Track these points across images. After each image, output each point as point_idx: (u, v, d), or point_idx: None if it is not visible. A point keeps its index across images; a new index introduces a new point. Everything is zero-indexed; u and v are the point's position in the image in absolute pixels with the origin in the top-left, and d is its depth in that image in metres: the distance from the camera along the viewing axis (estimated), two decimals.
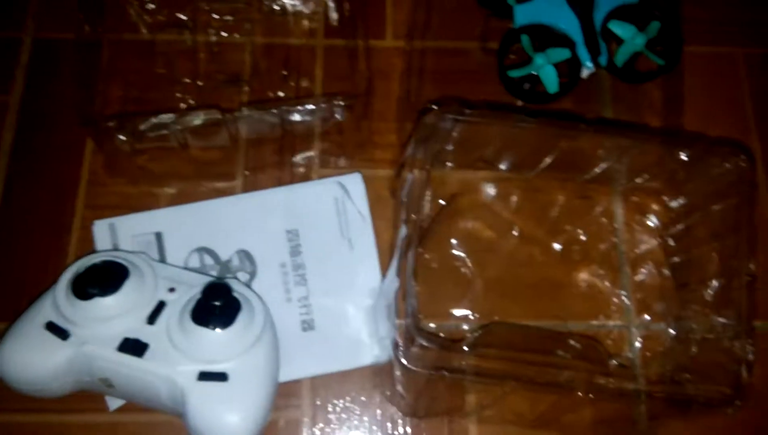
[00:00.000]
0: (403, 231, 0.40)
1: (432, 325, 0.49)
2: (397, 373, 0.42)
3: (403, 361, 0.38)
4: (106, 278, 0.42)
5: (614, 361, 0.47)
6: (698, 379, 0.42)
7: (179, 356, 0.41)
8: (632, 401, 0.42)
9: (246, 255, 0.49)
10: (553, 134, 0.46)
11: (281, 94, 0.54)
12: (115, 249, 0.48)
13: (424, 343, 0.39)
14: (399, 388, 0.44)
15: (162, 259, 0.49)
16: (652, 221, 0.52)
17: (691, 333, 0.45)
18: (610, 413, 0.44)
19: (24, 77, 0.54)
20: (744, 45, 0.60)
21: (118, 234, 0.49)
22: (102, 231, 0.49)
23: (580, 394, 0.38)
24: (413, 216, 0.41)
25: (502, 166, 0.52)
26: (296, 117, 0.49)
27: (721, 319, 0.42)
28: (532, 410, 0.44)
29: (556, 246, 0.51)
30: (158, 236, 0.49)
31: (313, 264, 0.49)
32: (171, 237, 0.49)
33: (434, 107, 0.44)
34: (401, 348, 0.39)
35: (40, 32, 0.56)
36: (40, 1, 0.57)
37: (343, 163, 0.53)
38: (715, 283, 0.44)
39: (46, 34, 0.56)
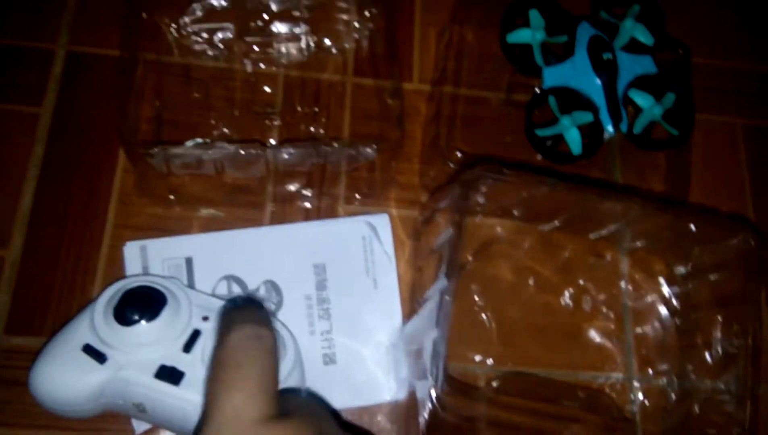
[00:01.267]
0: (443, 283, 0.42)
1: (448, 367, 0.51)
2: (424, 416, 0.44)
3: (437, 407, 0.40)
4: (146, 304, 0.43)
5: (617, 415, 0.50)
6: None
7: None
8: None
9: (273, 285, 0.50)
10: (576, 197, 0.49)
11: (312, 129, 0.56)
12: (146, 272, 0.49)
13: (450, 391, 0.41)
14: (422, 428, 0.45)
15: (190, 285, 0.49)
16: (657, 281, 0.55)
17: (693, 393, 0.48)
18: None
19: (57, 90, 0.54)
20: (742, 116, 0.64)
21: (148, 256, 0.49)
22: (133, 252, 0.49)
23: None
24: (451, 270, 0.43)
25: (520, 218, 0.54)
26: (329, 156, 0.51)
27: (725, 383, 0.45)
28: None
29: (567, 298, 0.54)
30: (188, 261, 0.50)
31: (337, 299, 0.51)
32: (201, 263, 0.50)
33: (471, 161, 0.46)
34: (435, 395, 0.40)
35: (73, 45, 0.56)
36: (74, 14, 0.57)
37: (366, 201, 0.55)
38: (719, 347, 0.47)
39: (80, 47, 0.56)
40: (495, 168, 0.44)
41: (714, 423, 0.45)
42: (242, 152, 0.48)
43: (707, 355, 0.48)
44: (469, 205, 0.45)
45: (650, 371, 0.52)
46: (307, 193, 0.54)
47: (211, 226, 0.52)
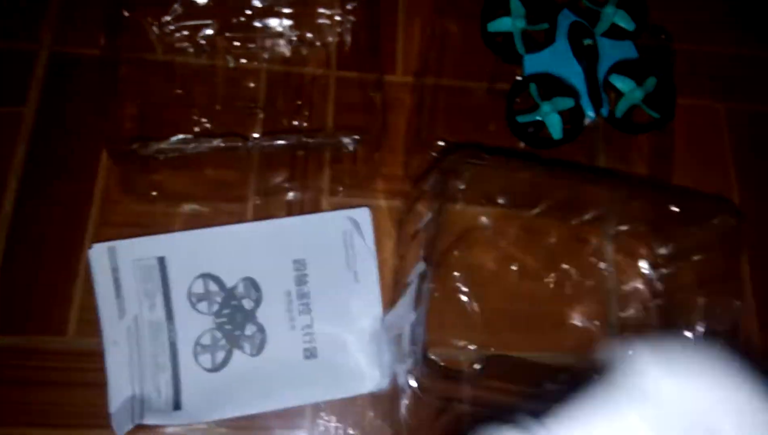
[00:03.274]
0: (421, 267, 0.42)
1: (431, 353, 0.51)
2: (405, 400, 0.44)
3: (416, 389, 0.40)
4: None
5: None
6: None
7: None
8: None
9: (251, 282, 0.50)
10: (558, 181, 0.49)
11: (295, 122, 0.56)
12: (115, 274, 0.49)
13: (431, 374, 0.41)
14: (403, 413, 0.46)
15: (164, 285, 0.49)
16: (640, 264, 0.55)
17: None
18: None
19: (39, 90, 0.55)
20: (725, 100, 0.64)
21: (118, 258, 0.49)
22: (100, 255, 0.49)
23: None
24: (429, 253, 0.43)
25: (504, 205, 0.54)
26: (311, 147, 0.51)
27: None
28: None
29: (551, 283, 0.54)
30: (161, 261, 0.50)
31: (318, 294, 0.51)
32: (174, 262, 0.50)
33: (451, 148, 0.46)
34: (414, 377, 0.40)
35: (56, 46, 0.56)
36: (57, 15, 0.57)
37: (351, 193, 0.55)
38: (700, 327, 0.47)
39: (63, 47, 0.56)
40: (474, 153, 0.45)
41: None
42: (222, 144, 0.48)
43: (690, 335, 0.48)
44: (448, 191, 0.45)
45: None
46: (290, 186, 0.54)
47: (194, 221, 0.52)
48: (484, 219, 0.55)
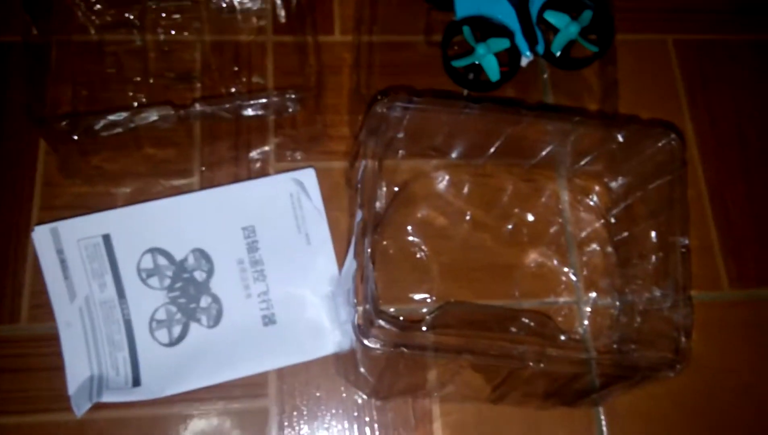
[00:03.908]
0: (359, 215, 0.41)
1: (392, 309, 0.51)
2: (359, 355, 0.43)
3: (364, 341, 0.39)
4: None
5: (564, 336, 0.50)
6: (643, 348, 0.45)
7: None
8: (583, 371, 0.44)
9: (202, 253, 0.50)
10: (497, 120, 0.48)
11: (233, 90, 0.55)
12: (61, 255, 0.48)
13: (383, 324, 0.41)
14: (362, 370, 0.45)
15: (112, 262, 0.49)
16: (595, 203, 0.55)
17: (634, 305, 0.48)
18: (563, 385, 0.46)
19: None
20: (672, 31, 0.64)
21: (62, 239, 0.48)
22: (43, 237, 0.48)
23: (531, 364, 0.40)
24: (367, 201, 0.42)
25: (453, 155, 0.54)
26: (249, 111, 0.50)
27: (661, 291, 0.45)
28: (489, 384, 0.46)
29: (507, 229, 0.53)
30: (106, 238, 0.49)
31: (271, 259, 0.50)
32: (120, 239, 0.49)
33: (383, 97, 0.45)
34: (362, 328, 0.40)
35: None
36: None
37: (298, 157, 0.54)
38: (653, 257, 0.47)
39: None
40: (403, 98, 0.44)
41: (656, 331, 0.45)
42: (157, 115, 0.47)
43: (645, 266, 0.47)
44: (383, 139, 0.44)
45: (593, 292, 0.52)
46: (235, 155, 0.53)
47: (140, 198, 0.52)
48: (434, 170, 0.55)
